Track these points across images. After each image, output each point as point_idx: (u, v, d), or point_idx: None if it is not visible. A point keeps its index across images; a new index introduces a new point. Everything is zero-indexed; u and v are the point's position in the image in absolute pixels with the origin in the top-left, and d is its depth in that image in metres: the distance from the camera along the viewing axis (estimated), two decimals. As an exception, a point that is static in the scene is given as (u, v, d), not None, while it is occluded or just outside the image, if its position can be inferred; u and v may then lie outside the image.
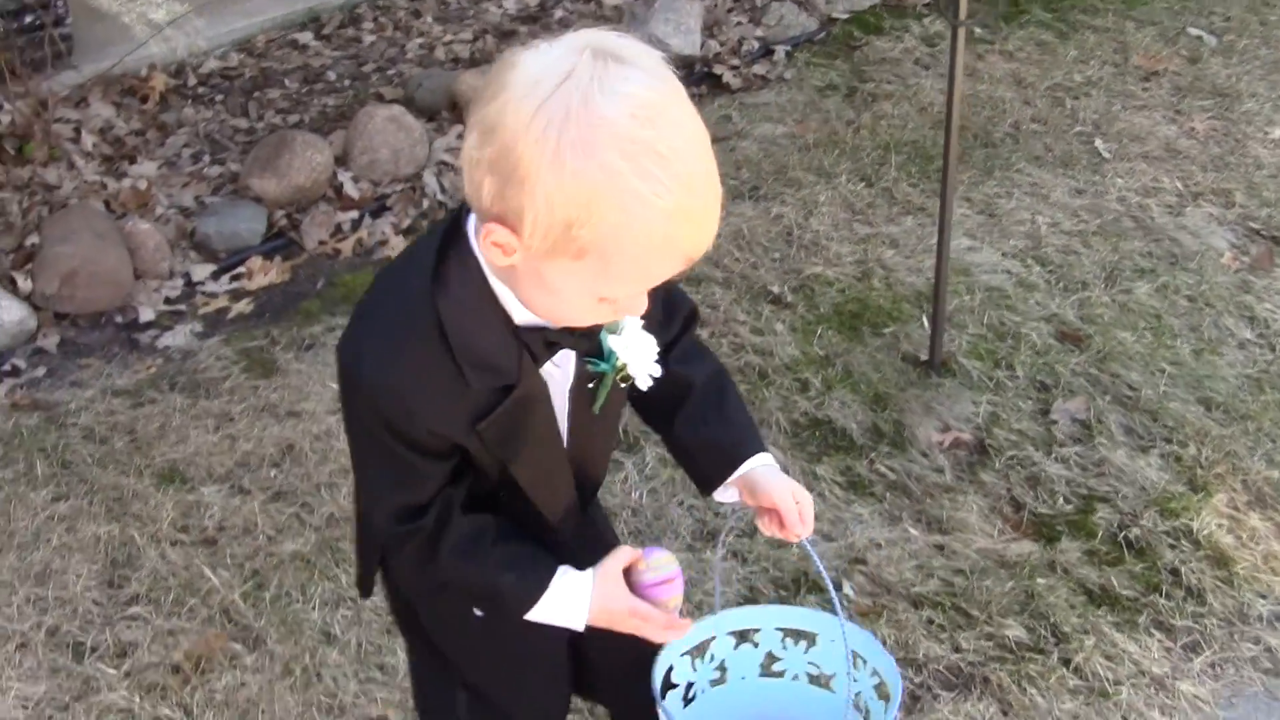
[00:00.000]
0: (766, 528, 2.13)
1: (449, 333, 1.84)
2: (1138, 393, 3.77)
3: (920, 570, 3.30)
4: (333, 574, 3.34)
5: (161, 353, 4.22)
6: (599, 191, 1.64)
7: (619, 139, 1.63)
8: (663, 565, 2.02)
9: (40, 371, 4.18)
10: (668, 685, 2.28)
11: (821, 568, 2.13)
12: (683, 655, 2.32)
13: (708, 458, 2.16)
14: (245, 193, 4.77)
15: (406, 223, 4.69)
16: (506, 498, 2.05)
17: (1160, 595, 3.25)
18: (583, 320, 1.86)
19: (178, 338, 4.29)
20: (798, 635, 2.37)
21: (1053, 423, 3.68)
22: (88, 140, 5.01)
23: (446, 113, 5.21)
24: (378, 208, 4.77)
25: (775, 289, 4.18)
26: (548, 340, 1.89)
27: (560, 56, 1.67)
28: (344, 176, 4.84)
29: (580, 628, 2.04)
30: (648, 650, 2.19)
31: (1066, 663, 3.10)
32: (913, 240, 4.30)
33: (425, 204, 4.78)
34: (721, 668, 2.37)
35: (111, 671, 3.16)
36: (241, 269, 4.56)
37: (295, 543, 3.43)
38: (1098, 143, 4.95)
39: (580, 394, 2.00)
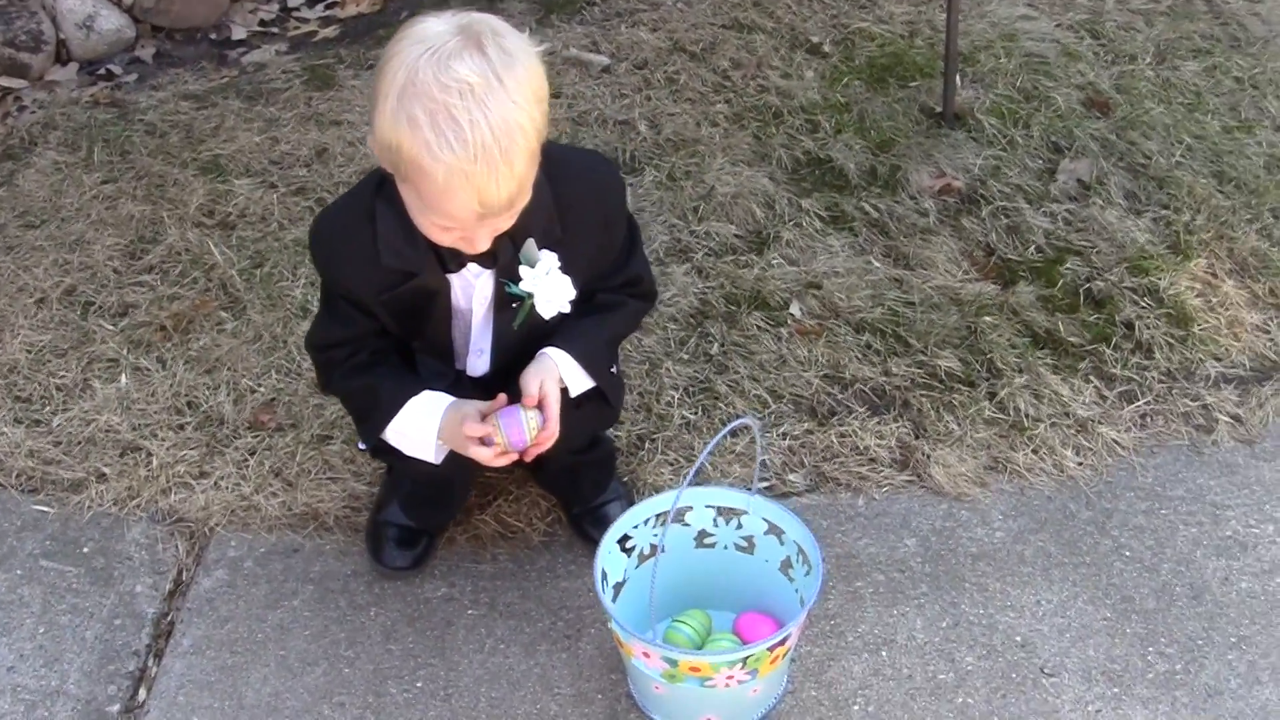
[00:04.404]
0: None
1: (378, 218, 2.35)
2: (1150, 161, 3.71)
3: (872, 298, 3.35)
4: (323, 259, 3.54)
5: (243, 67, 4.45)
6: (403, 130, 2.10)
7: (425, 99, 2.08)
8: (502, 425, 2.42)
9: (133, 78, 4.45)
10: (623, 541, 2.59)
11: (760, 448, 2.61)
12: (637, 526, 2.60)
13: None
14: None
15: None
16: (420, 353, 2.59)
17: (1108, 346, 3.24)
18: (440, 240, 2.28)
19: (264, 55, 4.52)
20: (729, 513, 2.63)
21: (1054, 180, 3.65)
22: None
23: None
24: (478, -46, 4.89)
25: (816, 39, 4.20)
26: (459, 253, 2.33)
27: (439, 31, 2.12)
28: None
29: (432, 448, 2.51)
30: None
31: (992, 396, 3.13)
32: (972, 5, 4.26)
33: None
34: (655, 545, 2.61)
35: (109, 327, 3.43)
36: (337, -1, 4.76)
37: (299, 230, 3.64)
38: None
39: (503, 311, 2.45)
